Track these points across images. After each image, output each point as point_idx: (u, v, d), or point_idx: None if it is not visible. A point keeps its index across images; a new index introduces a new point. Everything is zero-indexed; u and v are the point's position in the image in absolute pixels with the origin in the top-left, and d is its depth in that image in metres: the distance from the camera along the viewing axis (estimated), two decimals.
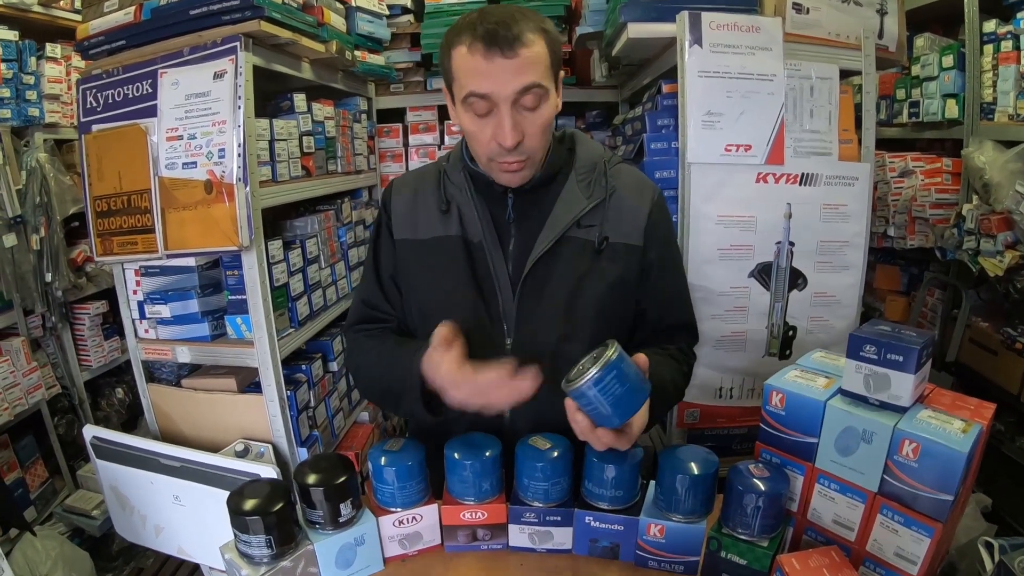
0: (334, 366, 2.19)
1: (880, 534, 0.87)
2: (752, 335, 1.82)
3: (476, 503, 0.99)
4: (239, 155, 1.56)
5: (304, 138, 1.99)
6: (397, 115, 2.81)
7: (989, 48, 2.22)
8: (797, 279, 1.76)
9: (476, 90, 0.96)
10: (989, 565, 1.09)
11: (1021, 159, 2.06)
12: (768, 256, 1.73)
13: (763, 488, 0.88)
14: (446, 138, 2.77)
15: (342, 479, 0.93)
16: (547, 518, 0.98)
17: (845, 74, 1.73)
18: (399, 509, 0.99)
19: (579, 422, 0.89)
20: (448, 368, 0.93)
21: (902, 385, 0.87)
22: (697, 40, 1.60)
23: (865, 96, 1.70)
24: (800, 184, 1.67)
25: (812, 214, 1.70)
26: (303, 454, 1.88)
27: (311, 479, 0.93)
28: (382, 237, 1.19)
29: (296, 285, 1.92)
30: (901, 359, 0.86)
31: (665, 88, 1.79)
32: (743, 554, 0.90)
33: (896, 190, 2.74)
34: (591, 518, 0.97)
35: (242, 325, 1.76)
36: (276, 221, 2.08)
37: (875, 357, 0.88)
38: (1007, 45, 2.12)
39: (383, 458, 0.98)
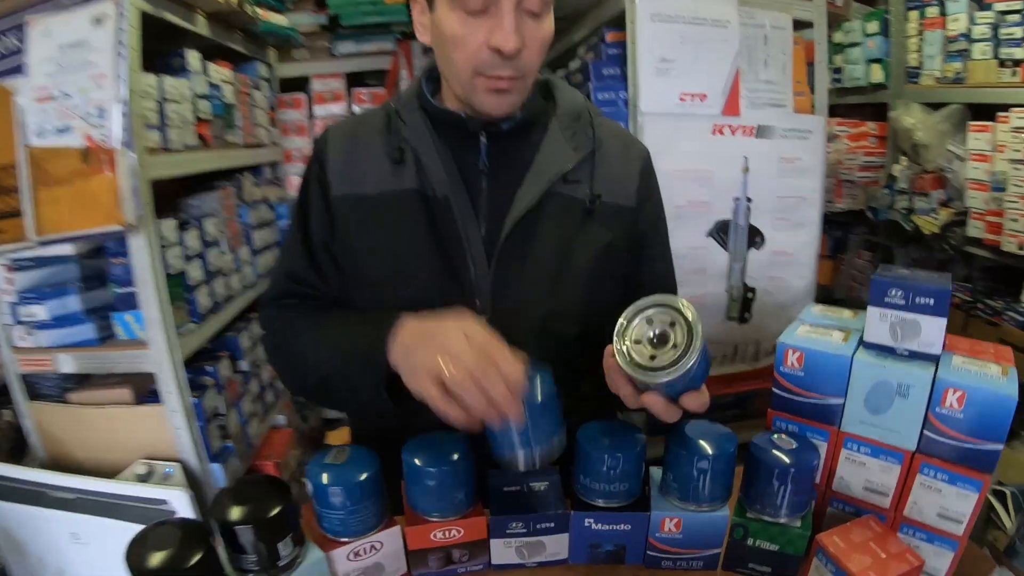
0: (244, 365, 1.94)
1: (920, 496, 0.77)
2: (710, 299, 1.74)
3: (448, 519, 0.79)
4: (123, 115, 1.31)
5: (199, 102, 1.73)
6: (301, 84, 2.58)
7: (914, 14, 2.27)
8: (755, 237, 1.68)
9: None
10: (1005, 515, 1.04)
11: (949, 120, 2.11)
12: (726, 213, 1.65)
13: (793, 461, 0.76)
14: (355, 108, 2.55)
15: (276, 510, 0.70)
16: (537, 526, 0.80)
17: (795, 26, 1.66)
18: (353, 538, 0.77)
19: (654, 403, 0.71)
20: (471, 326, 0.73)
21: (934, 331, 0.78)
22: None
23: (817, 47, 1.64)
24: (756, 137, 1.59)
25: (769, 168, 1.63)
26: (217, 471, 1.63)
27: (235, 514, 0.69)
28: (312, 195, 0.96)
29: (194, 273, 1.66)
30: (932, 302, 0.77)
31: (609, 36, 1.65)
32: (775, 538, 0.77)
33: None
34: (591, 520, 0.80)
35: (133, 323, 1.49)
36: (164, 200, 1.78)
37: (902, 303, 0.78)
38: (933, 11, 2.17)
39: (326, 475, 0.75)
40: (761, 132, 1.59)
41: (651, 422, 0.77)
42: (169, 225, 1.54)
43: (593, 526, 0.80)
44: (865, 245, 2.79)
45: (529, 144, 0.92)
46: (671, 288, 1.07)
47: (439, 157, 0.89)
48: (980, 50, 1.97)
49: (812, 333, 0.86)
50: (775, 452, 0.77)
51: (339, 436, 2.60)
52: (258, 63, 2.33)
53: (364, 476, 0.75)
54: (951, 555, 0.77)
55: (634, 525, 0.80)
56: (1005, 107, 1.83)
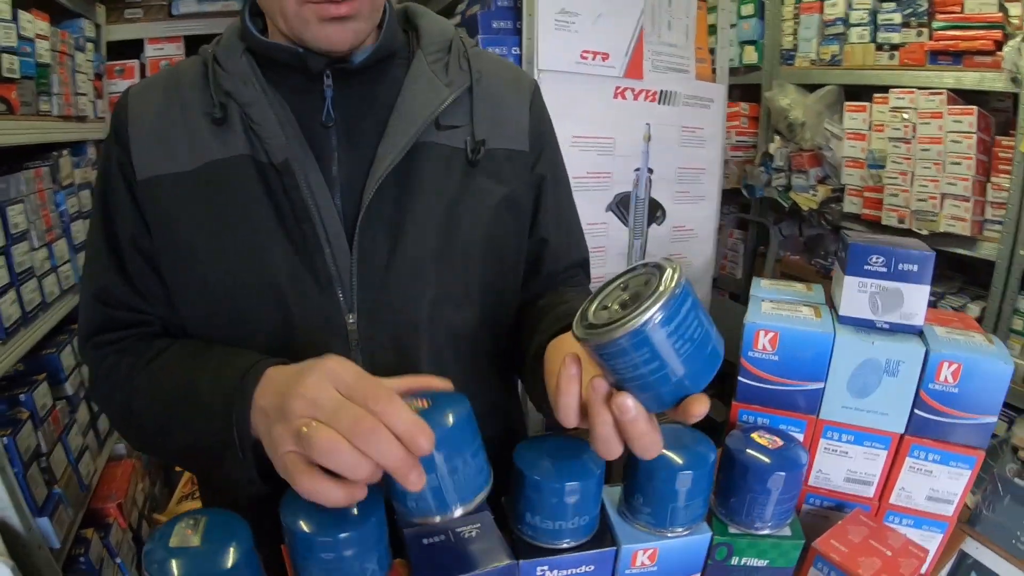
0: (67, 388, 1.59)
1: (909, 480, 0.70)
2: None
3: None
4: None
5: (5, 56, 1.40)
6: (133, 50, 2.24)
7: None
8: (656, 211, 1.60)
9: None
10: None
11: (824, 100, 2.17)
12: (627, 185, 1.55)
13: (783, 463, 0.64)
14: None
15: None
16: None
17: None
18: None
19: (631, 409, 0.48)
20: (338, 367, 0.51)
21: (916, 300, 0.70)
22: None
23: (721, 13, 1.58)
24: (659, 103, 1.51)
25: (671, 137, 1.56)
26: (45, 526, 1.32)
27: None
28: (114, 184, 0.71)
29: None
30: (916, 268, 0.69)
31: None
32: (764, 553, 0.65)
33: None
34: (545, 568, 0.62)
35: None
36: None
37: (884, 270, 0.70)
38: None
39: (175, 567, 0.49)
40: (664, 98, 1.52)
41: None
42: None
43: (547, 574, 0.62)
44: (737, 224, 2.86)
45: (388, 85, 0.72)
46: (578, 237, 0.90)
47: (272, 111, 0.68)
48: (857, 34, 2.04)
49: (779, 310, 0.74)
50: (758, 453, 0.65)
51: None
52: (83, 20, 1.98)
53: (235, 559, 0.50)
54: (940, 537, 0.72)
55: (598, 565, 0.63)
56: (883, 88, 1.90)
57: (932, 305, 0.72)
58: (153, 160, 0.69)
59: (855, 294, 0.71)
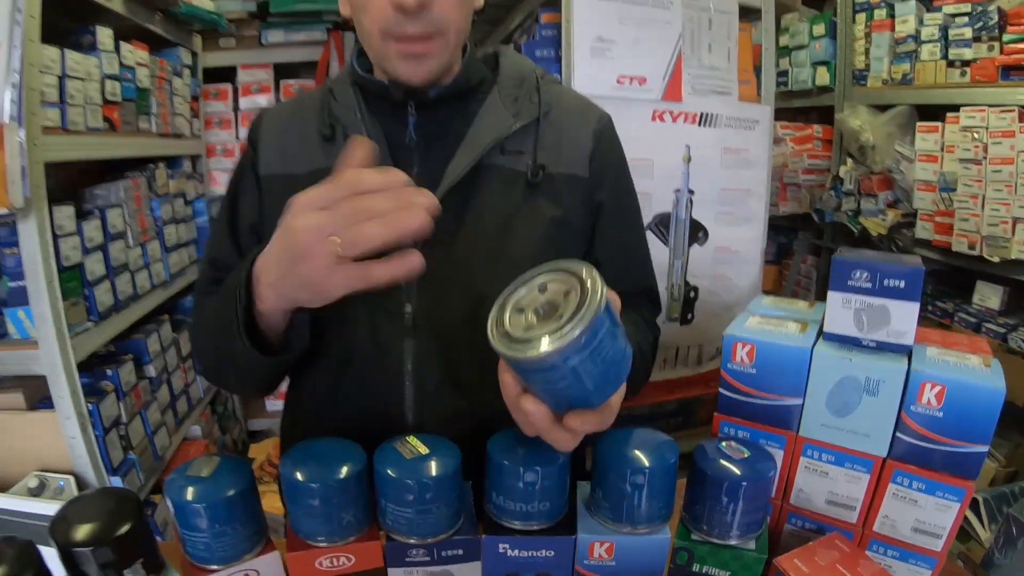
0: (151, 370, 1.79)
1: (893, 508, 0.67)
2: None
3: (336, 544, 0.65)
4: (13, 87, 1.22)
5: (108, 83, 1.62)
6: (227, 75, 2.44)
7: (862, 16, 2.25)
8: (697, 232, 1.59)
9: None
10: (978, 524, 0.95)
11: (896, 121, 2.09)
12: (666, 206, 1.55)
13: (745, 472, 0.64)
14: (283, 101, 2.39)
15: (124, 529, 0.56)
16: (442, 553, 0.66)
17: (743, 13, 1.58)
18: (221, 566, 0.63)
19: (533, 413, 0.55)
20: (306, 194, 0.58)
21: (905, 318, 0.68)
22: None
23: (764, 35, 1.57)
24: (699, 125, 1.51)
25: (712, 158, 1.54)
26: (116, 484, 1.48)
27: (76, 534, 0.55)
28: (244, 179, 0.89)
29: (95, 266, 1.52)
30: (903, 284, 0.67)
31: (544, 18, 1.55)
32: (726, 564, 0.65)
33: None
34: (507, 546, 0.66)
35: (25, 320, 1.38)
36: (71, 188, 1.65)
37: (869, 286, 0.69)
38: (881, 13, 2.16)
39: (188, 491, 0.61)
40: (704, 120, 1.51)
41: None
42: (65, 212, 1.42)
43: (509, 552, 0.66)
44: (811, 249, 2.75)
45: (465, 114, 0.83)
46: (641, 265, 0.96)
47: (367, 131, 0.81)
48: (928, 51, 1.95)
49: (764, 324, 0.75)
50: (724, 462, 0.65)
51: (263, 449, 2.39)
52: (181, 49, 2.21)
53: (233, 491, 0.61)
54: (928, 573, 0.68)
55: (557, 551, 0.66)
56: (955, 107, 1.81)
57: (1002, 338, 0.70)
58: (275, 162, 0.86)
59: (839, 310, 0.70)
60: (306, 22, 2.36)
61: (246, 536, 0.63)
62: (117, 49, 1.67)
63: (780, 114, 2.86)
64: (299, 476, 0.62)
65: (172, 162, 2.17)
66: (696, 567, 0.66)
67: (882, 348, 0.68)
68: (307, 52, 2.41)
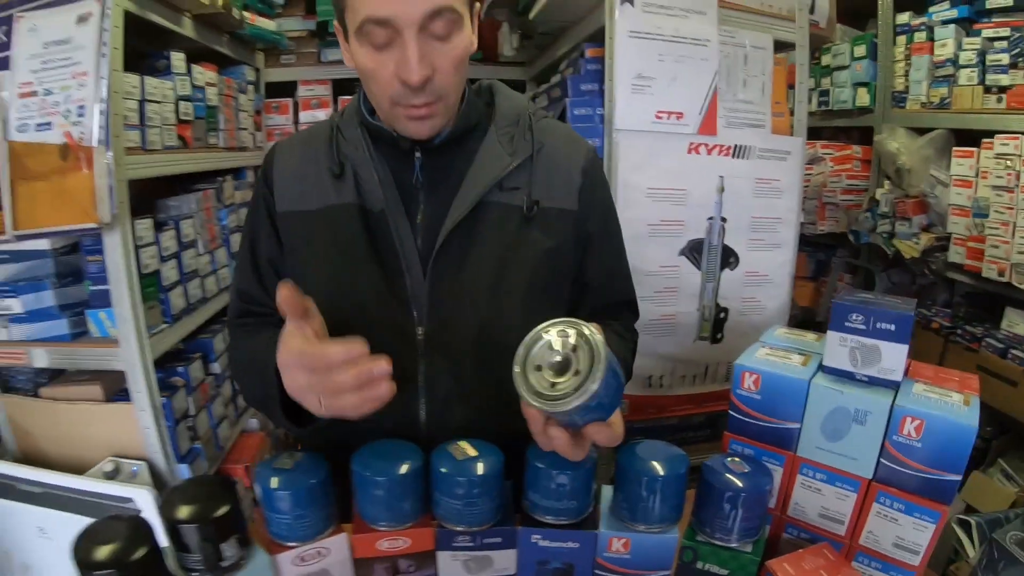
0: (216, 367, 1.92)
1: (876, 525, 0.76)
2: (682, 318, 1.72)
3: (395, 528, 0.78)
4: (101, 113, 1.33)
5: (181, 103, 1.74)
6: (287, 89, 2.59)
7: (902, 39, 2.28)
8: (729, 257, 1.68)
9: (374, 14, 0.76)
10: (968, 545, 1.02)
11: (934, 145, 2.11)
12: (699, 232, 1.64)
13: (745, 486, 0.74)
14: None
15: (222, 510, 0.70)
16: (484, 541, 0.79)
17: (777, 47, 1.66)
18: (299, 543, 0.76)
19: (557, 438, 0.69)
20: (290, 347, 0.72)
21: (894, 357, 0.77)
22: None
23: (799, 68, 1.64)
24: (733, 156, 1.59)
25: (744, 188, 1.62)
26: (184, 471, 1.62)
27: (181, 513, 0.69)
28: (259, 214, 0.98)
29: (169, 273, 1.66)
30: (893, 328, 0.76)
31: (589, 52, 1.65)
32: (725, 563, 0.75)
33: (805, 176, 2.77)
34: (539, 536, 0.78)
35: (106, 321, 1.50)
36: (147, 200, 1.79)
37: (863, 327, 0.78)
38: (921, 36, 2.18)
39: (274, 480, 0.75)
40: (738, 152, 1.59)
41: None
42: (145, 225, 1.54)
43: (540, 543, 0.78)
44: (847, 268, 2.79)
45: (465, 154, 0.92)
46: (623, 282, 1.07)
47: (376, 172, 0.90)
48: (966, 76, 1.98)
49: (771, 356, 0.84)
50: (727, 475, 0.75)
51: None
52: (245, 67, 2.33)
53: (312, 482, 0.75)
54: None
55: (582, 543, 0.78)
56: (990, 133, 1.84)
57: None
58: (289, 198, 0.94)
59: (837, 347, 0.79)
60: None
61: (320, 519, 0.76)
62: (189, 71, 1.79)
63: (821, 133, 2.90)
64: (367, 471, 0.75)
65: (236, 173, 2.30)
66: (699, 564, 0.76)
67: (873, 382, 0.77)
68: None
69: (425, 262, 0.89)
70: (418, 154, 0.91)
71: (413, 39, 0.77)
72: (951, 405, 0.73)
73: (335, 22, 0.87)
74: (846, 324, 0.78)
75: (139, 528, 0.68)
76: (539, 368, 0.66)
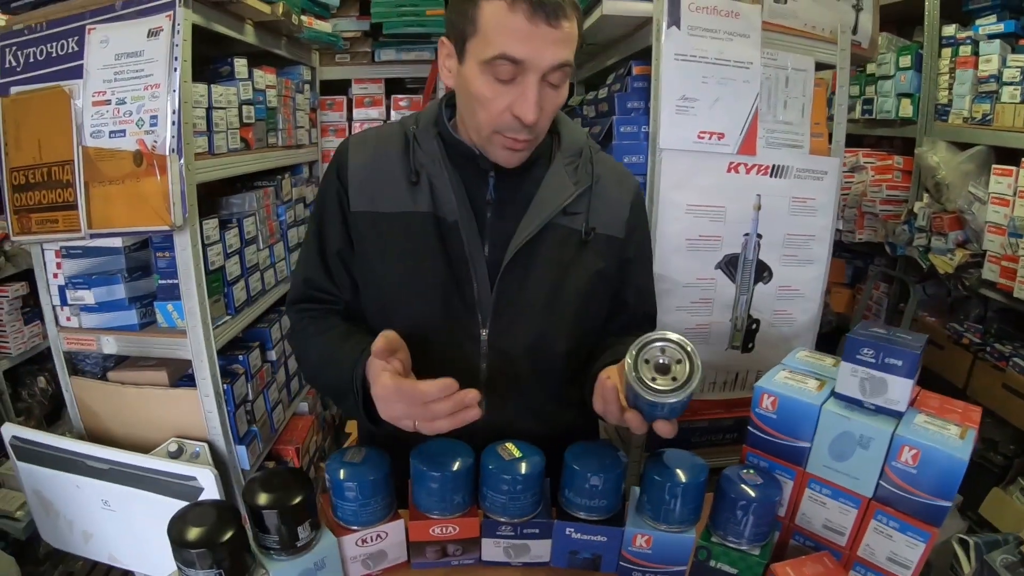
0: (272, 355, 2.05)
1: (873, 539, 0.84)
2: (716, 328, 1.80)
3: (446, 517, 0.90)
4: (173, 123, 1.41)
5: (244, 107, 1.84)
6: (341, 87, 2.68)
7: (947, 52, 2.27)
8: (763, 272, 1.74)
9: (511, 53, 0.85)
10: (965, 562, 1.10)
11: (974, 161, 2.12)
12: (735, 248, 1.71)
13: (756, 496, 0.84)
14: (392, 113, 2.65)
15: (299, 499, 0.82)
16: (524, 531, 0.90)
17: (818, 67, 1.70)
18: (362, 527, 0.89)
19: (632, 420, 0.83)
20: (384, 383, 0.83)
21: (899, 390, 0.84)
22: (675, 22, 1.53)
23: (839, 90, 1.69)
24: (771, 176, 1.65)
25: (781, 206, 1.68)
26: (241, 452, 1.75)
27: (263, 500, 0.81)
28: (331, 207, 1.04)
29: (232, 268, 1.76)
30: (900, 363, 0.83)
31: (636, 70, 1.72)
32: (734, 563, 0.85)
33: (846, 184, 2.79)
34: (572, 529, 0.90)
35: (173, 312, 1.61)
36: (209, 197, 1.91)
37: (872, 361, 0.85)
38: (966, 50, 2.18)
39: (343, 471, 0.87)
40: (775, 172, 1.64)
41: (651, 440, 0.88)
42: (211, 224, 1.64)
43: (573, 535, 0.90)
44: (883, 277, 2.81)
45: (533, 178, 1.02)
46: (651, 299, 1.18)
47: (451, 185, 0.98)
48: (1009, 93, 1.99)
49: (789, 379, 0.93)
50: (742, 485, 0.85)
51: (357, 425, 2.69)
52: (302, 67, 2.42)
53: (375, 476, 0.87)
54: None
55: (609, 537, 0.89)
56: None
57: None
58: (364, 199, 1.01)
59: (848, 377, 0.87)
60: (415, 43, 2.56)
61: (381, 507, 0.89)
62: (250, 75, 1.88)
63: (863, 141, 2.90)
64: (425, 467, 0.87)
65: (293, 169, 2.41)
66: (712, 563, 0.86)
67: (879, 411, 0.85)
68: (416, 69, 2.62)
69: (493, 273, 0.99)
70: (492, 173, 1.00)
71: (536, 83, 0.87)
72: (947, 438, 0.79)
73: (445, 38, 0.94)
74: (858, 356, 0.86)
75: (225, 513, 0.80)
76: (647, 362, 0.79)
